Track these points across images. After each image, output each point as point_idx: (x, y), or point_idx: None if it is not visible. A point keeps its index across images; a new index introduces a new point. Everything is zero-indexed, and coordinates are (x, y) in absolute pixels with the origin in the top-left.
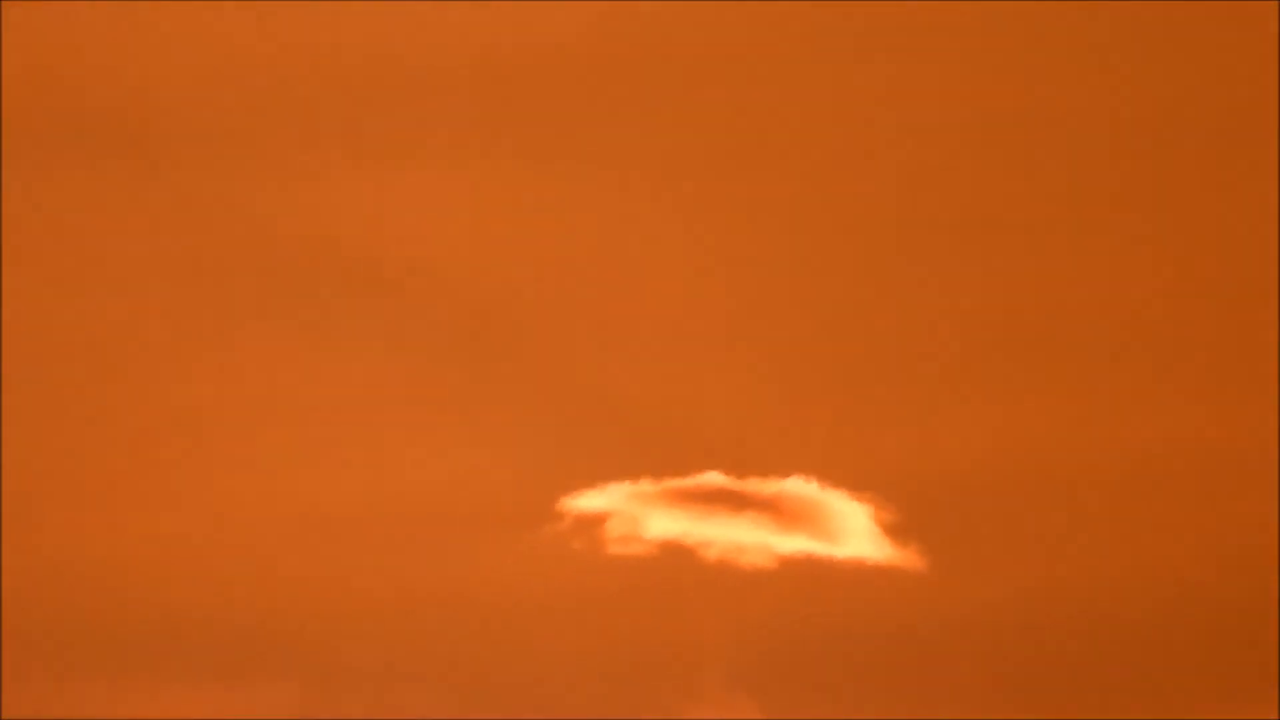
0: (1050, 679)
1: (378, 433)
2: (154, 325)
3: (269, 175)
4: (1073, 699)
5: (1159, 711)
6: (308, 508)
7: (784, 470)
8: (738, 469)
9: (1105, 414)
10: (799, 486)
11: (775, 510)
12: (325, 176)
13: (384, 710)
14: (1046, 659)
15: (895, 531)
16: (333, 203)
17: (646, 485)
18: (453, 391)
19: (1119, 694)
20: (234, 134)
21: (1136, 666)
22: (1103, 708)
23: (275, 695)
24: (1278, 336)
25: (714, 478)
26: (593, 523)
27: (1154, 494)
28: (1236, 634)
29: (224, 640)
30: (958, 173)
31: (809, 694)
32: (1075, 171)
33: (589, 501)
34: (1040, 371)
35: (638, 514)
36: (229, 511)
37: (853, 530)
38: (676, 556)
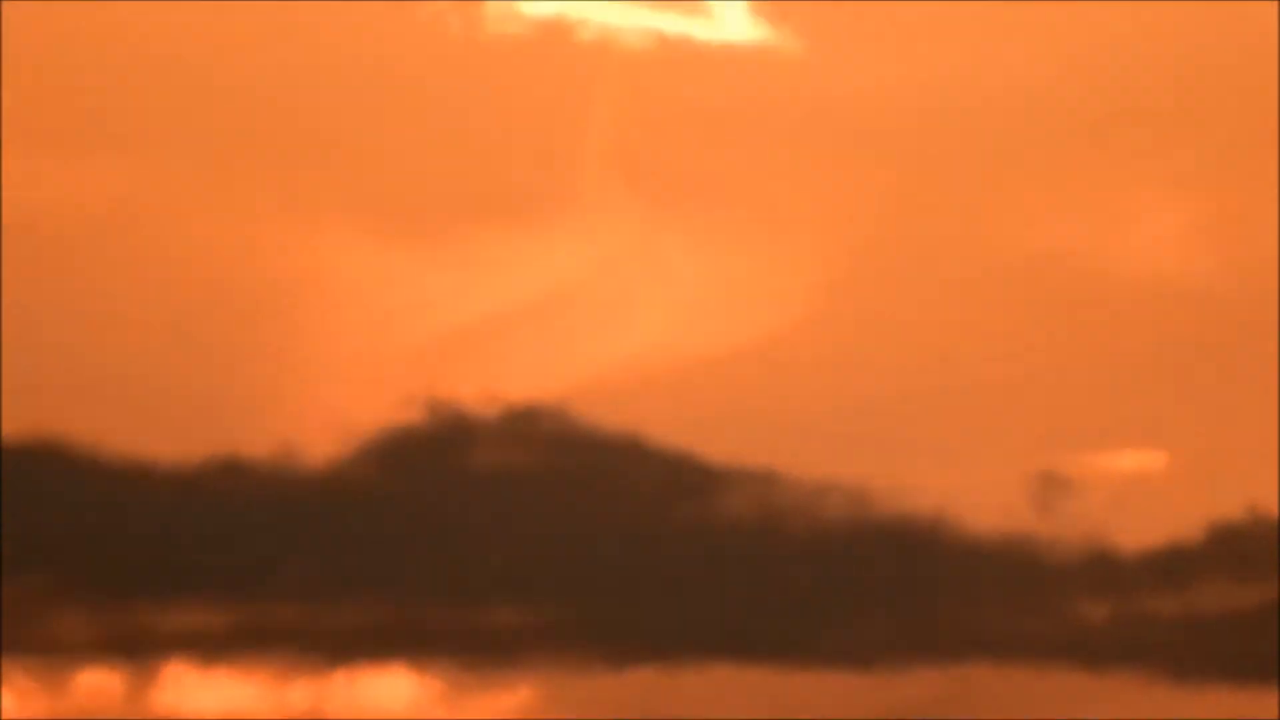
0: (923, 161)
1: None
2: None
3: None
4: (944, 173)
5: (1041, 185)
6: None
7: None
8: None
9: None
10: None
11: None
12: None
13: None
14: (922, 143)
15: (772, 13)
16: None
17: None
18: None
19: (993, 179)
20: None
21: (1017, 149)
22: (982, 200)
23: None
24: None
25: None
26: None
27: None
28: (1113, 113)
29: None
30: None
31: (684, 177)
32: None
33: None
34: None
35: None
36: None
37: (730, 11)
38: (554, 36)
